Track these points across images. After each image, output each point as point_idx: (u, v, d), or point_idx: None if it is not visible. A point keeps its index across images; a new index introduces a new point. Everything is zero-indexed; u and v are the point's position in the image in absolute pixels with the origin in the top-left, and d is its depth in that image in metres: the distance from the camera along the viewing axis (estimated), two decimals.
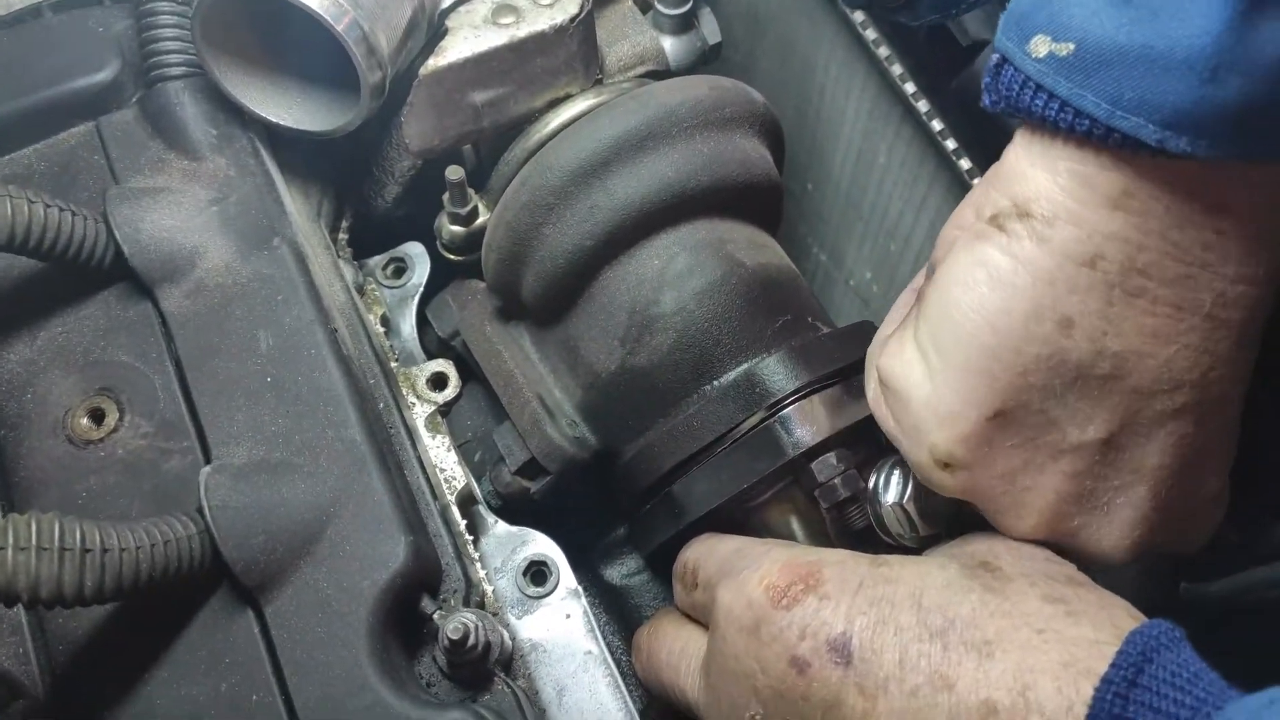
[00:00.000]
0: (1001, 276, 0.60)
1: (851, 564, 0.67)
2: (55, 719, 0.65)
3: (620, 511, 0.97)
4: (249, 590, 0.65)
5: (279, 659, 0.64)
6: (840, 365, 0.81)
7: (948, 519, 0.79)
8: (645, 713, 0.93)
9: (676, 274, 0.84)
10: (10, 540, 0.55)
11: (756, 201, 0.89)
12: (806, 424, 0.79)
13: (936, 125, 1.06)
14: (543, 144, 0.86)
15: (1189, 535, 0.70)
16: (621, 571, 1.00)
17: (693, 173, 0.83)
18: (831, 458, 0.77)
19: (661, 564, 0.96)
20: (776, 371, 0.79)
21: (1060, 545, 0.67)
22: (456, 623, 0.68)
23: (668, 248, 0.85)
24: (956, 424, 0.63)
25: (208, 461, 0.69)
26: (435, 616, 0.70)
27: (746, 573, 0.69)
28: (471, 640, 0.68)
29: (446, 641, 0.68)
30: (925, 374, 0.64)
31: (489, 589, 0.79)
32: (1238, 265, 0.59)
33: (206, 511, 0.64)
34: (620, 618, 0.99)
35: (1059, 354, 0.60)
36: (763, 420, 0.79)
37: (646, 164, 0.82)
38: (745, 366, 0.82)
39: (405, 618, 0.70)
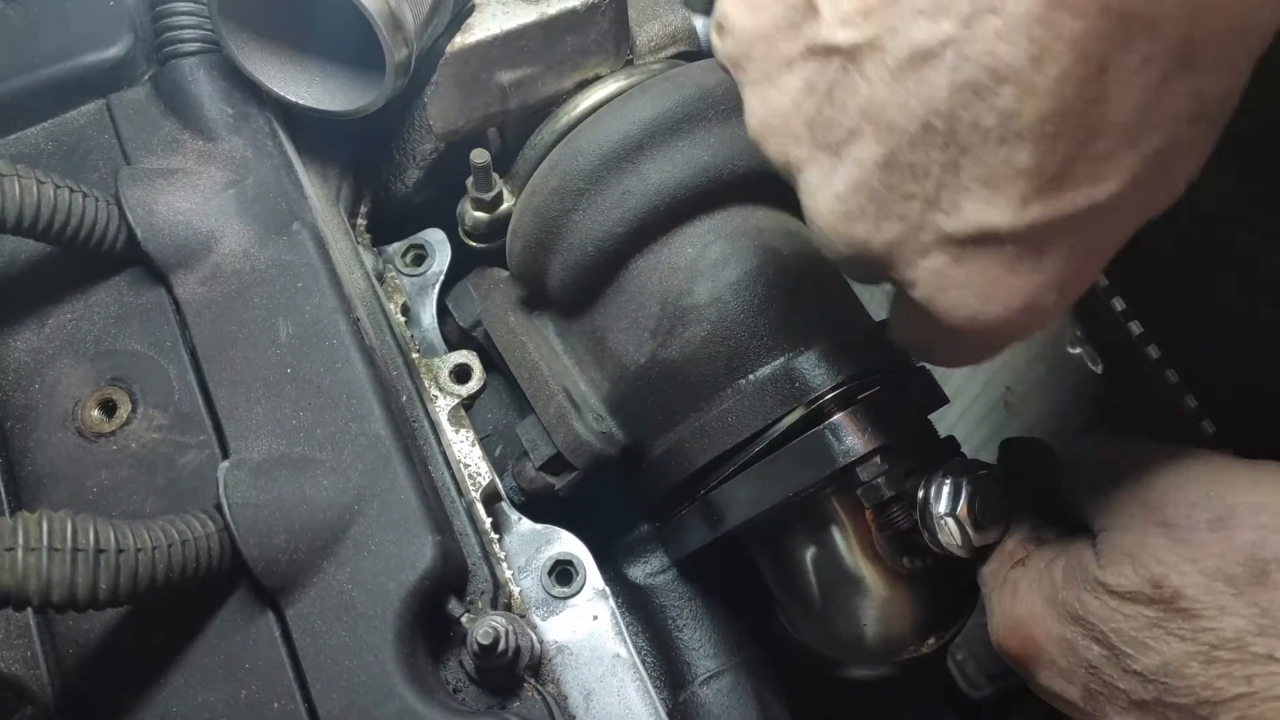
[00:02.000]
0: None
1: None
2: None
3: (644, 509, 0.94)
4: (270, 592, 0.62)
5: (301, 664, 0.61)
6: (883, 359, 0.78)
7: (1002, 530, 0.76)
8: (673, 715, 0.90)
9: (711, 263, 0.81)
10: (20, 540, 0.52)
11: (788, 186, 0.86)
12: (857, 432, 0.75)
13: None
14: (572, 126, 0.83)
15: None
16: (645, 570, 0.97)
17: (730, 157, 0.80)
18: (878, 460, 0.74)
19: (690, 566, 0.93)
20: (817, 366, 0.76)
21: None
22: (486, 626, 0.65)
23: (702, 236, 0.82)
24: None
25: (225, 456, 0.66)
26: (463, 619, 0.67)
27: None
28: (502, 645, 0.65)
29: (476, 646, 0.65)
30: None
31: (515, 590, 0.76)
32: None
33: (226, 509, 0.60)
34: (644, 618, 0.96)
35: None
36: (802, 417, 0.76)
37: (682, 148, 0.79)
38: (783, 360, 0.79)
39: (432, 620, 0.66)
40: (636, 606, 0.96)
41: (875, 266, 0.56)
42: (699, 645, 0.94)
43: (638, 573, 0.97)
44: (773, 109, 0.56)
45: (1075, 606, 0.62)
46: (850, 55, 0.51)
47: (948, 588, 0.84)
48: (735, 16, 0.57)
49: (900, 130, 0.50)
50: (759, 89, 0.57)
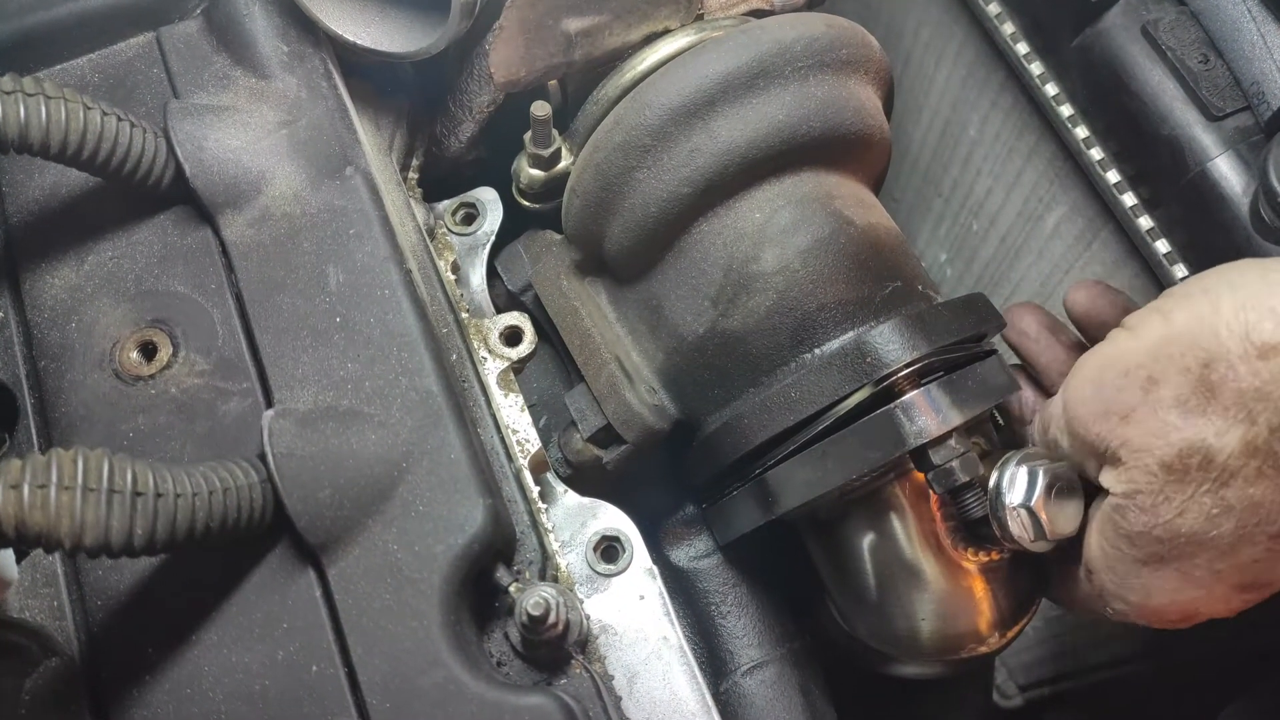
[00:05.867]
0: None
1: None
2: (90, 682, 0.59)
3: (692, 488, 0.90)
4: (312, 549, 0.58)
5: (342, 627, 0.57)
6: (958, 338, 0.74)
7: (1078, 525, 0.72)
8: (719, 698, 0.87)
9: (780, 229, 0.76)
10: (54, 478, 0.48)
11: (867, 155, 0.82)
12: (930, 412, 0.71)
13: (1051, 90, 0.98)
14: (637, 81, 0.79)
15: None
16: (689, 553, 0.93)
17: (805, 118, 0.76)
18: (953, 442, 0.70)
19: (736, 551, 0.90)
20: (891, 341, 0.71)
21: None
22: (536, 597, 0.61)
23: (771, 200, 0.77)
24: None
25: (269, 405, 0.63)
26: (511, 589, 0.63)
27: None
28: (552, 617, 0.61)
29: (525, 617, 0.61)
30: None
31: (561, 563, 0.72)
32: None
33: (270, 459, 0.57)
34: (686, 603, 0.92)
35: None
36: (871, 395, 0.72)
37: (756, 105, 0.75)
38: (853, 334, 0.74)
39: (478, 588, 0.63)
40: (679, 591, 0.92)
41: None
42: (743, 634, 0.90)
43: (681, 555, 0.93)
44: None
45: None
46: None
47: (1013, 584, 0.80)
48: None
49: None
50: None
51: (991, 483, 0.73)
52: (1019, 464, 0.72)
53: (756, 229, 0.77)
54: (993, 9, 1.02)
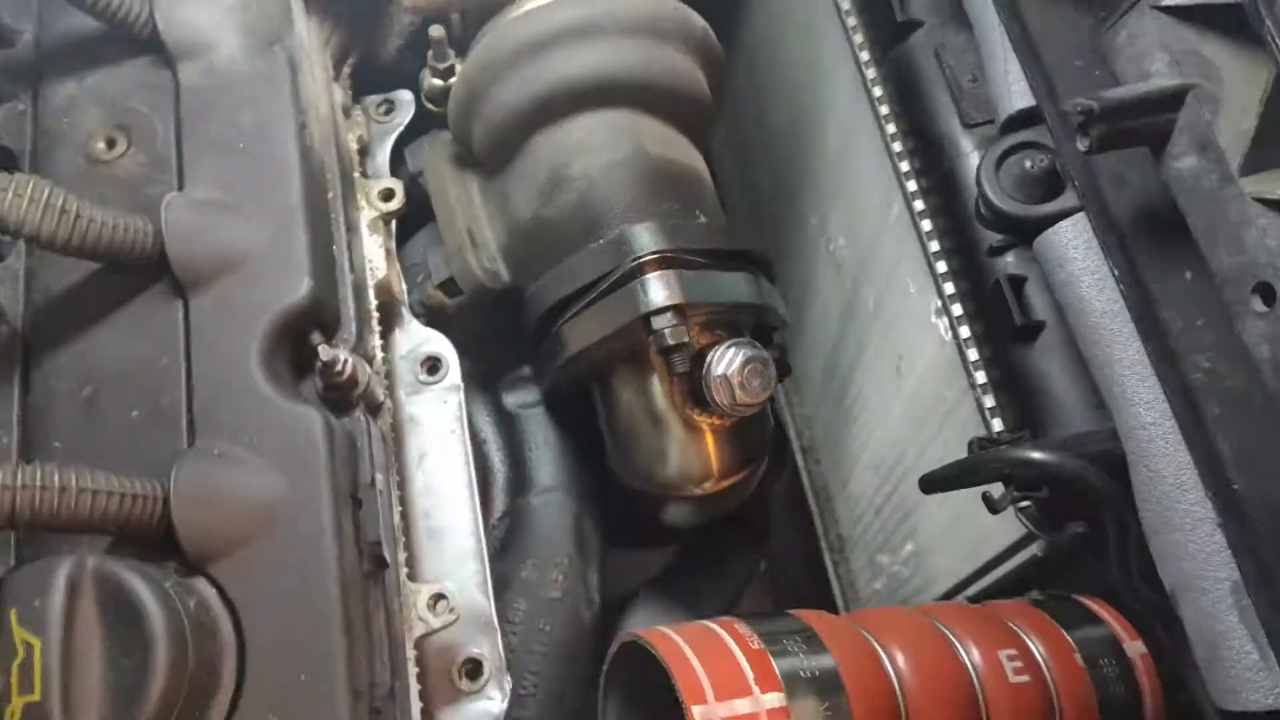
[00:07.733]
0: None
1: None
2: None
3: (527, 349, 1.16)
4: (182, 285, 0.85)
5: (190, 339, 0.84)
6: (702, 247, 0.98)
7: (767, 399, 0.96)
8: (508, 512, 1.12)
9: (590, 146, 1.02)
10: (10, 189, 0.76)
11: (678, 108, 1.06)
12: (661, 288, 0.95)
13: (878, 91, 1.21)
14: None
15: None
16: (518, 401, 1.18)
17: (620, 65, 1.01)
18: (670, 314, 0.94)
19: (556, 405, 1.14)
20: (642, 235, 0.96)
21: None
22: (333, 353, 0.88)
23: (590, 125, 1.03)
24: None
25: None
26: (320, 350, 0.90)
27: None
28: (339, 367, 0.88)
29: (319, 364, 0.87)
30: None
31: (380, 355, 0.99)
32: None
33: (164, 218, 0.84)
34: (508, 436, 1.17)
35: None
36: (623, 273, 0.97)
37: (581, 49, 1.00)
38: (622, 229, 0.99)
39: (297, 343, 0.89)
40: (504, 425, 1.18)
41: None
42: (541, 465, 1.15)
43: (512, 401, 1.19)
44: None
45: None
46: None
47: (734, 444, 1.03)
48: None
49: None
50: None
51: (709, 357, 0.97)
52: (730, 345, 0.96)
53: (575, 144, 1.02)
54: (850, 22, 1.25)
